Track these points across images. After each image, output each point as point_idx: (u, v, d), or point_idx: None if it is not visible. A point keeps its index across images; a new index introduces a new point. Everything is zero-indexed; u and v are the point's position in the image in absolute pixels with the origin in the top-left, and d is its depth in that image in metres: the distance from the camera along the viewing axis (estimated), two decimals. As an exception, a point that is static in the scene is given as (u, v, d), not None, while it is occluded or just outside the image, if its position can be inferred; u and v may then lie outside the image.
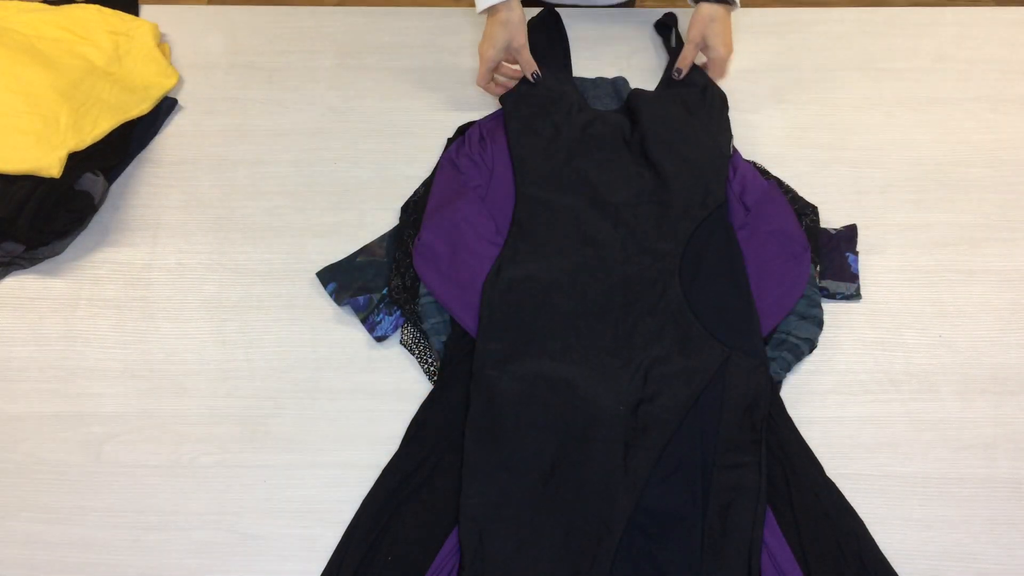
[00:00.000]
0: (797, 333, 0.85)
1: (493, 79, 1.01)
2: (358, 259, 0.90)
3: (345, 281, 0.89)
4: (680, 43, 1.05)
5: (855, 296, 0.89)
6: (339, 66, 1.08)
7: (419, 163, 0.99)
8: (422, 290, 0.87)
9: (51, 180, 0.89)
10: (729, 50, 0.99)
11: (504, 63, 1.00)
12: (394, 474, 0.78)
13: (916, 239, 0.94)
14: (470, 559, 0.73)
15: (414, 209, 0.94)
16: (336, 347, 0.87)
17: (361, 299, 0.87)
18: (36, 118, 0.91)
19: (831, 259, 0.91)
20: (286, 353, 0.87)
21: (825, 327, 0.87)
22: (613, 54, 1.09)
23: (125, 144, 0.98)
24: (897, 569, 0.74)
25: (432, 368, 0.85)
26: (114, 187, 0.97)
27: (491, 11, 0.96)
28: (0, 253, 0.89)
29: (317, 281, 0.90)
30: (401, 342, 0.87)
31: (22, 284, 0.91)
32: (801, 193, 0.96)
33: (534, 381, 0.80)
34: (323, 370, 0.86)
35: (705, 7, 0.98)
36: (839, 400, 0.84)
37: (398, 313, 0.87)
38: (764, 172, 0.97)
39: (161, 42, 1.08)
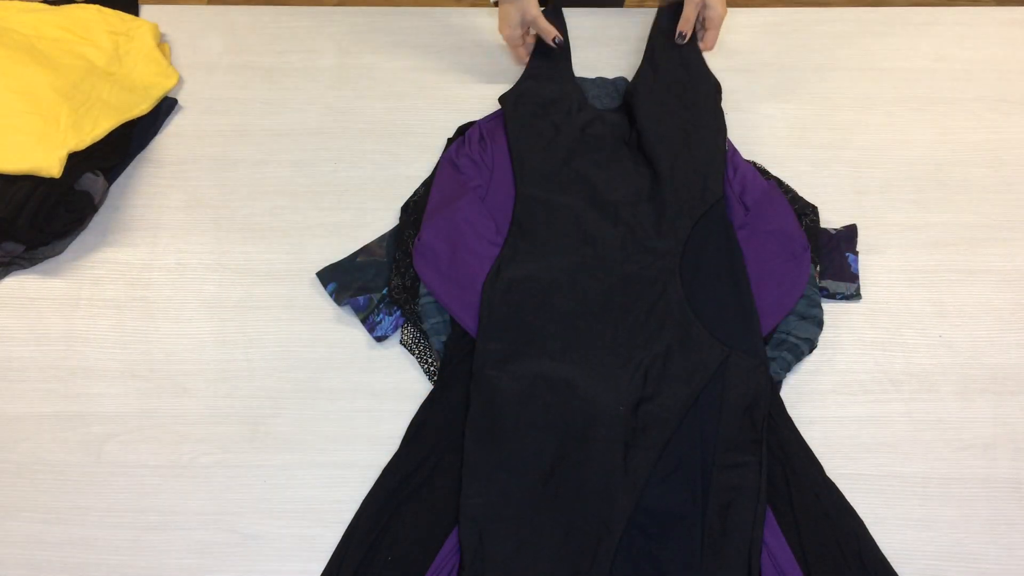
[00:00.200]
0: (797, 333, 0.85)
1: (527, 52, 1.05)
2: (358, 259, 0.90)
3: (345, 281, 0.89)
4: (671, 16, 1.04)
5: (855, 296, 0.89)
6: (339, 66, 1.08)
7: (419, 163, 0.99)
8: (422, 290, 0.87)
9: (51, 180, 0.89)
10: (725, 10, 1.01)
11: (527, 37, 1.04)
12: (394, 474, 0.78)
13: (916, 239, 0.94)
14: (470, 559, 0.73)
15: (414, 209, 0.94)
16: (336, 347, 0.87)
17: (361, 299, 0.87)
18: (36, 118, 0.91)
19: (831, 259, 0.91)
20: (286, 353, 0.87)
21: (825, 327, 0.86)
22: (613, 54, 1.09)
23: (125, 144, 0.98)
24: (897, 569, 0.74)
25: (432, 368, 0.85)
26: (114, 187, 0.97)
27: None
28: (0, 253, 0.89)
29: (317, 281, 0.90)
30: (401, 342, 0.87)
31: (22, 284, 0.91)
32: (801, 193, 0.96)
33: (534, 381, 0.80)
34: (323, 370, 0.86)
35: None
36: (839, 400, 0.84)
37: (398, 313, 0.87)
38: (764, 172, 0.97)
39: (161, 42, 1.08)
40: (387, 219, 0.95)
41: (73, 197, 0.91)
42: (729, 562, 0.73)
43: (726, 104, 1.01)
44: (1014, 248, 0.94)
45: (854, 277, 0.90)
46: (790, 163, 0.99)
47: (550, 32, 1.00)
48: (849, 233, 0.93)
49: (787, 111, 1.04)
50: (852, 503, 0.77)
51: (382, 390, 0.84)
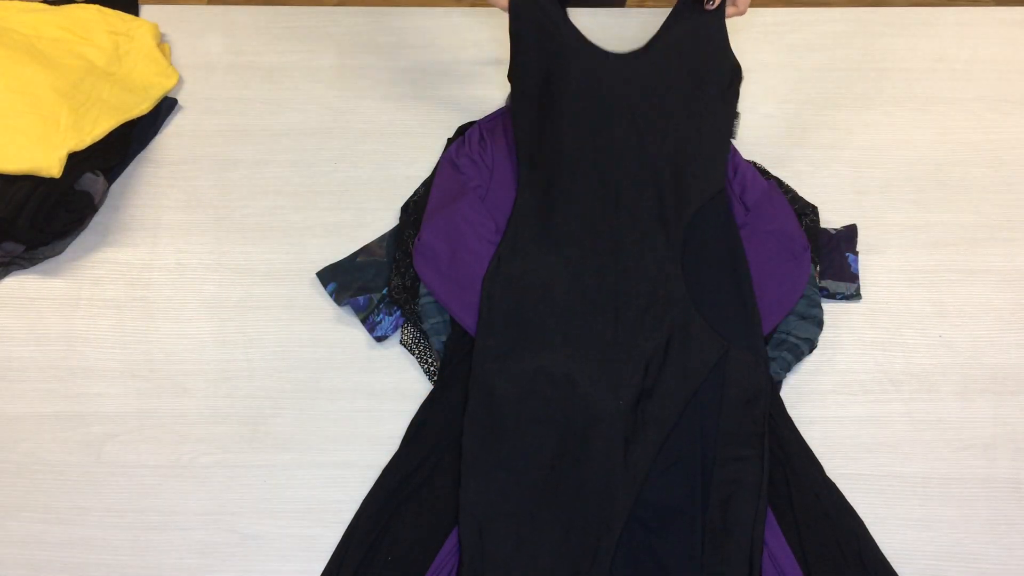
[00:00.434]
0: (797, 333, 0.85)
1: None
2: (358, 259, 0.90)
3: (345, 281, 0.89)
4: None
5: (855, 296, 0.89)
6: (339, 66, 1.08)
7: (419, 163, 0.99)
8: (422, 290, 0.87)
9: (51, 180, 0.89)
10: None
11: None
12: (394, 474, 0.78)
13: (916, 239, 0.94)
14: (470, 557, 0.73)
15: (414, 209, 0.94)
16: (336, 347, 0.87)
17: (361, 299, 0.87)
18: (36, 118, 0.91)
19: (831, 259, 0.91)
20: (286, 353, 0.87)
21: (825, 327, 0.86)
22: (613, 54, 1.09)
23: (125, 144, 0.98)
24: (897, 569, 0.74)
25: (432, 368, 0.85)
26: (114, 187, 0.97)
27: None
28: (0, 253, 0.89)
29: (317, 281, 0.90)
30: (401, 342, 0.87)
31: (22, 284, 0.91)
32: (801, 193, 0.96)
33: (534, 377, 0.80)
34: (323, 370, 0.86)
35: None
36: (839, 400, 0.84)
37: (398, 313, 0.87)
38: (764, 172, 0.97)
39: (161, 42, 1.08)
40: (387, 219, 0.95)
41: (73, 197, 0.91)
42: (730, 556, 0.73)
43: (726, 104, 1.01)
44: (1014, 248, 0.94)
45: (854, 277, 0.90)
46: (790, 163, 0.99)
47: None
48: (849, 233, 0.93)
49: (787, 111, 1.04)
50: (852, 503, 0.77)
51: (382, 390, 0.84)
